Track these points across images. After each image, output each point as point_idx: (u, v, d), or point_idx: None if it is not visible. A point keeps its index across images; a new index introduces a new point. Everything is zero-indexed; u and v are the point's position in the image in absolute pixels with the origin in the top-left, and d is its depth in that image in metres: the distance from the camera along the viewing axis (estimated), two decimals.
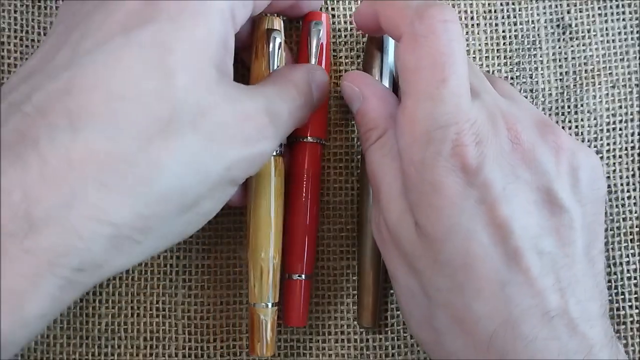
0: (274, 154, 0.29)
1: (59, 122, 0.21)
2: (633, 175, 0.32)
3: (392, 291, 0.32)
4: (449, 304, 0.24)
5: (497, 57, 0.33)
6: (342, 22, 0.33)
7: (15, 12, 0.32)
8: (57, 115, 0.21)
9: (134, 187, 0.21)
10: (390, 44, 0.31)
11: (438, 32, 0.25)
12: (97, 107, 0.21)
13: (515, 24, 0.33)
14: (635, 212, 0.32)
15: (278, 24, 0.29)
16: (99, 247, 0.21)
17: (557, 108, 0.33)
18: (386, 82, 0.31)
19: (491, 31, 0.33)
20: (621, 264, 0.32)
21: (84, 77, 0.22)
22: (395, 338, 0.32)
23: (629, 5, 0.33)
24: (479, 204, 0.24)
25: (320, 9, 0.33)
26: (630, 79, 0.33)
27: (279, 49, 0.29)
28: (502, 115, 0.25)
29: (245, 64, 0.31)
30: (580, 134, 0.33)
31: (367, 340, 0.32)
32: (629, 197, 0.32)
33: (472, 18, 0.33)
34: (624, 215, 0.32)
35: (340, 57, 0.33)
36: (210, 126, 0.23)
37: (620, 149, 0.32)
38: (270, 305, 0.29)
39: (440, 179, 0.24)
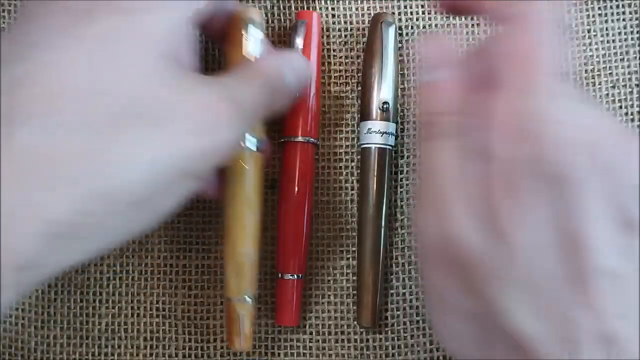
0: (253, 149, 0.28)
1: None
2: None
3: (392, 291, 0.32)
4: (509, 325, 0.22)
5: None
6: (342, 22, 0.33)
7: (15, 12, 0.32)
8: None
9: (76, 183, 0.21)
10: (390, 44, 0.31)
11: (541, 27, 0.23)
12: (38, 103, 0.21)
13: None
14: None
15: (257, 14, 0.29)
16: (39, 244, 0.20)
17: None
18: (386, 83, 0.31)
19: (491, 31, 0.33)
20: None
21: (27, 73, 0.21)
22: (396, 338, 0.32)
23: (629, 6, 0.33)
24: (558, 216, 0.22)
25: (317, 8, 0.33)
26: (630, 79, 0.33)
27: (255, 38, 0.29)
28: (589, 124, 0.23)
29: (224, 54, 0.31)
30: None
31: (367, 340, 0.32)
32: None
33: (472, 18, 0.33)
34: None
35: (341, 57, 0.33)
36: (161, 119, 0.22)
37: None
38: (247, 298, 0.29)
39: (525, 183, 0.22)
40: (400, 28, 0.33)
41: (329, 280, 0.32)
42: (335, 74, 0.33)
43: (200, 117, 0.23)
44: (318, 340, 0.32)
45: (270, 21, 0.33)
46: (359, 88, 0.33)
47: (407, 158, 0.32)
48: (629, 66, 0.33)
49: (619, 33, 0.33)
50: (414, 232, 0.26)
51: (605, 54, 0.33)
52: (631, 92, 0.33)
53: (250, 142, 0.28)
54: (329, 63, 0.33)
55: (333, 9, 0.33)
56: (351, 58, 0.33)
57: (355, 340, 0.32)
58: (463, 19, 0.33)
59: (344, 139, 0.33)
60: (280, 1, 0.33)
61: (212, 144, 0.24)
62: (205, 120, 0.23)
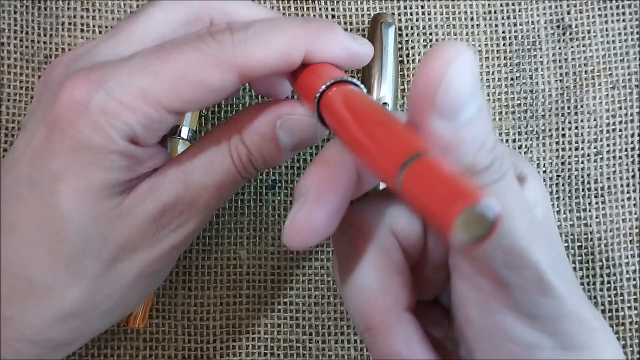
0: (185, 139, 0.30)
1: None
2: (633, 177, 0.32)
3: None
4: None
5: (497, 57, 0.33)
6: (342, 22, 0.33)
7: (15, 12, 0.32)
8: None
9: (34, 315, 0.23)
10: (390, 44, 0.31)
11: None
12: None
13: (515, 24, 0.33)
14: (635, 214, 0.32)
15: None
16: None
17: (557, 109, 0.33)
18: (386, 84, 0.31)
19: (491, 32, 0.33)
20: (620, 265, 0.32)
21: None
22: None
23: (629, 6, 0.33)
24: None
25: (316, 8, 0.33)
26: (630, 80, 0.33)
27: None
28: None
29: None
30: (580, 134, 0.33)
31: None
32: (628, 199, 0.32)
33: (472, 19, 0.33)
34: (623, 217, 0.32)
35: None
36: (112, 250, 0.23)
37: (620, 150, 0.32)
38: None
39: None
40: (400, 28, 0.33)
41: (329, 281, 0.32)
42: None
43: (149, 231, 0.24)
44: (318, 341, 0.32)
45: None
46: None
47: None
48: (628, 67, 0.33)
49: (619, 34, 0.33)
50: None
51: (605, 54, 0.33)
52: (631, 93, 0.33)
53: (184, 132, 0.30)
54: None
55: (333, 9, 0.33)
56: None
57: (355, 341, 0.32)
58: (463, 19, 0.33)
59: None
60: (280, 2, 0.33)
61: (165, 249, 0.24)
62: (155, 232, 0.24)
